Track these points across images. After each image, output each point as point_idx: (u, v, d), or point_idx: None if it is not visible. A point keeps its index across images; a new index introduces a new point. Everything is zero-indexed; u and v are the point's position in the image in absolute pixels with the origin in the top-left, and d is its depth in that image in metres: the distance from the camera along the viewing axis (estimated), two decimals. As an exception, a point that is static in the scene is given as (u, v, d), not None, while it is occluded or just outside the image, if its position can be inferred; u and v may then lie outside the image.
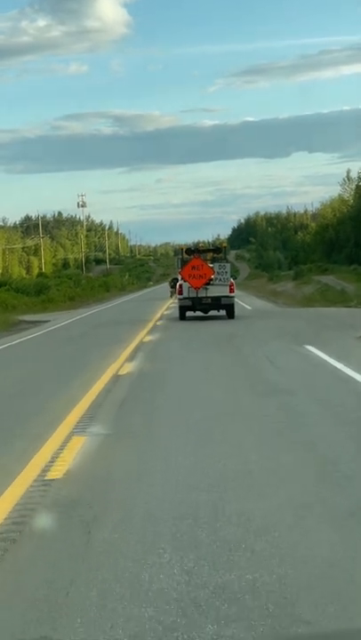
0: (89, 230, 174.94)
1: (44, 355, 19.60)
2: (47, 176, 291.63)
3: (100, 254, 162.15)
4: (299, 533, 5.00)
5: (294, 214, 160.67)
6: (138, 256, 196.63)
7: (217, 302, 28.00)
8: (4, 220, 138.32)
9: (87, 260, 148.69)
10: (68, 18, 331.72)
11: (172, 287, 47.75)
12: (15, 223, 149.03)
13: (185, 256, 29.28)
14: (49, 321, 33.85)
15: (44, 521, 5.46)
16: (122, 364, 14.95)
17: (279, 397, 10.36)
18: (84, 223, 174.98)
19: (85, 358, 16.99)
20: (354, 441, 7.62)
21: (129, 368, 14.30)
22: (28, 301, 57.91)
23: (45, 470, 6.83)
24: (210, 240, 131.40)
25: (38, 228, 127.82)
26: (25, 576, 4.56)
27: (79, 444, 7.85)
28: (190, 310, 28.55)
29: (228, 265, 28.89)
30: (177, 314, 29.38)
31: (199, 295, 27.75)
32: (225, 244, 33.66)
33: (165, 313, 34.81)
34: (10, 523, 5.45)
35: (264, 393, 10.81)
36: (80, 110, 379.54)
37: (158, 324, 27.61)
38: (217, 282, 27.66)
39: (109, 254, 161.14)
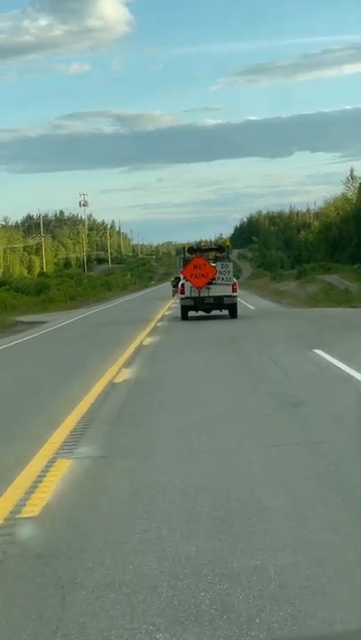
0: (91, 229, 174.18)
1: (36, 359, 18.60)
2: (48, 175, 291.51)
3: (101, 253, 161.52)
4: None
5: (297, 213, 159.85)
6: (140, 255, 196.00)
7: (219, 302, 27.58)
8: (5, 220, 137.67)
9: (89, 260, 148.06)
10: (70, 17, 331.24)
11: (174, 287, 47.02)
12: (17, 222, 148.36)
13: (187, 255, 28.88)
14: (47, 322, 32.90)
15: (6, 581, 4.47)
16: (118, 369, 13.97)
17: (293, 412, 9.38)
18: (86, 222, 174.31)
19: (82, 360, 16.05)
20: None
21: (126, 375, 13.33)
22: (27, 301, 57.21)
23: (20, 505, 5.84)
24: (212, 239, 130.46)
25: (40, 227, 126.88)
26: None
27: (64, 468, 6.87)
28: (192, 310, 28.14)
29: (230, 264, 28.40)
30: (178, 314, 28.85)
31: (201, 295, 27.36)
32: (228, 243, 32.98)
33: (167, 313, 33.91)
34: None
35: (280, 410, 9.83)
36: (81, 109, 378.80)
37: (159, 325, 26.70)
38: (219, 281, 27.26)
39: (111, 253, 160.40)
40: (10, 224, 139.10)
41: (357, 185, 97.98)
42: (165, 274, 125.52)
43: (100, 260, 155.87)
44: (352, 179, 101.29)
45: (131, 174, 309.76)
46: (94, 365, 14.80)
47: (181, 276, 28.60)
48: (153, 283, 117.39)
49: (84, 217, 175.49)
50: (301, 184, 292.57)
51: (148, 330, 23.83)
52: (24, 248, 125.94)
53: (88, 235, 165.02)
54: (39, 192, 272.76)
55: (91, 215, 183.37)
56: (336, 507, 5.50)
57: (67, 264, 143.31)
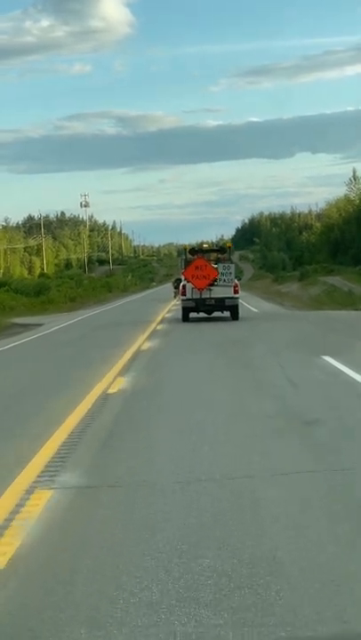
0: (92, 230, 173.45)
1: (26, 365, 17.58)
2: (50, 176, 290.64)
3: (102, 255, 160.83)
4: None
5: (299, 214, 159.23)
6: (141, 256, 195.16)
7: (221, 303, 27.27)
8: (6, 220, 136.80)
9: (90, 261, 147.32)
10: (72, 18, 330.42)
11: (175, 288, 46.38)
12: (18, 223, 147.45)
13: (188, 256, 28.63)
14: (43, 324, 31.89)
15: None
16: (113, 379, 12.99)
17: (306, 431, 8.40)
18: (87, 223, 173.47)
19: (76, 367, 15.07)
20: None
21: (120, 385, 12.35)
22: (26, 302, 56.49)
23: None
24: (213, 241, 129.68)
25: (41, 227, 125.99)
26: None
27: (41, 503, 5.87)
28: (194, 311, 27.87)
29: (232, 265, 28.01)
30: (179, 315, 28.43)
31: (203, 296, 27.09)
32: (230, 244, 32.62)
33: (167, 316, 32.98)
34: None
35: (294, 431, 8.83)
36: (83, 110, 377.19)
37: (158, 328, 25.75)
38: (221, 282, 26.93)
39: (112, 254, 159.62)
40: (11, 225, 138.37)
41: (360, 186, 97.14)
42: (167, 275, 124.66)
43: (101, 261, 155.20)
44: (355, 180, 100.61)
45: (133, 175, 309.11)
46: (86, 374, 13.82)
47: (183, 278, 28.28)
48: (154, 284, 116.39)
49: (85, 218, 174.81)
50: (303, 185, 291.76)
51: (146, 334, 22.86)
52: (25, 249, 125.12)
53: (89, 236, 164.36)
54: (40, 192, 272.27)
55: (92, 216, 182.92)
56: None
57: (68, 265, 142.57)
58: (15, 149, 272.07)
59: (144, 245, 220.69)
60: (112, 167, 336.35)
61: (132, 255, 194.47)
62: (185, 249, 30.27)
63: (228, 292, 26.86)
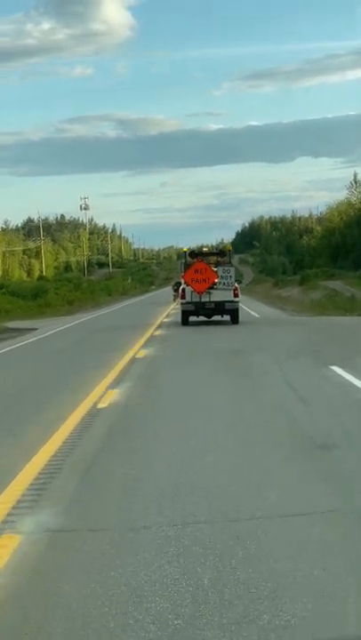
0: (91, 233, 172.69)
1: (8, 373, 16.57)
2: (50, 179, 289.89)
3: (102, 257, 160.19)
4: None
5: (299, 218, 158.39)
6: (141, 260, 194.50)
7: (221, 307, 26.95)
8: (6, 223, 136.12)
9: (89, 264, 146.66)
10: (73, 21, 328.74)
11: (175, 291, 45.59)
12: (17, 226, 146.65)
13: (188, 259, 28.36)
14: (37, 328, 30.86)
15: None
16: (104, 390, 12.01)
17: (320, 458, 7.41)
18: (87, 226, 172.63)
19: (69, 374, 14.10)
20: None
21: (112, 398, 11.37)
22: (23, 305, 55.64)
23: None
24: (213, 244, 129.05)
25: (40, 230, 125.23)
26: None
27: (8, 550, 4.88)
28: (193, 315, 27.53)
29: (232, 269, 27.64)
30: (178, 319, 28.12)
31: (202, 300, 26.75)
32: (230, 248, 32.07)
33: (165, 321, 32.06)
34: None
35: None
36: (84, 113, 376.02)
37: (156, 333, 24.79)
38: (221, 286, 26.54)
39: (112, 258, 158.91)
40: (10, 227, 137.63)
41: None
42: (166, 278, 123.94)
43: (101, 264, 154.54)
44: (356, 183, 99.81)
45: (133, 178, 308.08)
46: (76, 386, 12.85)
47: (182, 281, 27.82)
48: (154, 287, 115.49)
49: (85, 221, 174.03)
50: (304, 189, 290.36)
51: (143, 339, 21.91)
52: (24, 251, 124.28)
53: (89, 239, 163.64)
54: (41, 195, 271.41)
55: (92, 219, 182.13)
56: None
57: (67, 268, 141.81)
58: (16, 152, 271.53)
59: (144, 249, 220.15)
60: (113, 170, 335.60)
61: (131, 258, 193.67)
62: (185, 252, 29.90)
63: (228, 296, 26.54)
